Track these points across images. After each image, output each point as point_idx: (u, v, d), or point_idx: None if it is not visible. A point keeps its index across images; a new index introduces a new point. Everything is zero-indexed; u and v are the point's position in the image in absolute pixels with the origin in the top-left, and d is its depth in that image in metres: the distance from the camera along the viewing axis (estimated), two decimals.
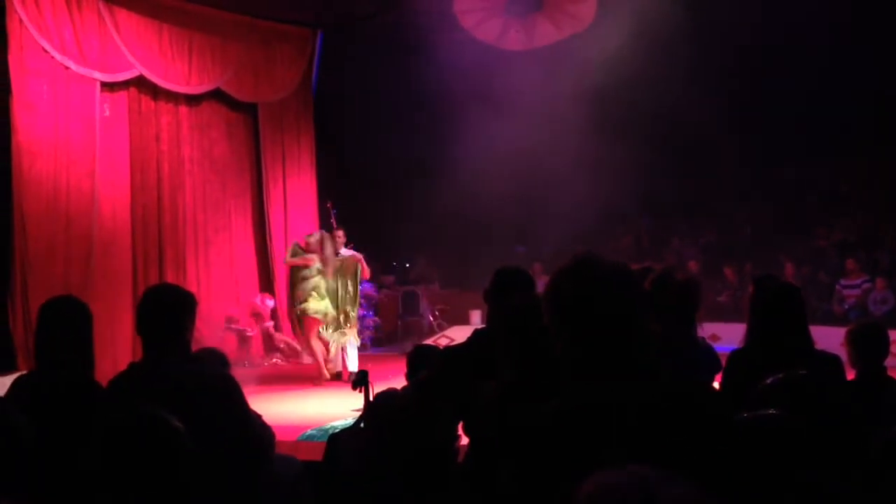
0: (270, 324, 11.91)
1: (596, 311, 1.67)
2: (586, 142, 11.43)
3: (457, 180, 12.00)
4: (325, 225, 11.50)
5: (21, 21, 9.64)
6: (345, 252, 9.92)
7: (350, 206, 11.74)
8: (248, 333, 11.69)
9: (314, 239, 9.86)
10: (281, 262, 11.76)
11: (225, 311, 11.82)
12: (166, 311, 3.01)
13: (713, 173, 13.66)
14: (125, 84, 10.89)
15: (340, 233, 9.96)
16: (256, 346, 11.89)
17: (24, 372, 3.37)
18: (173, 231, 11.44)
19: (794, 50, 12.51)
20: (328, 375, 9.75)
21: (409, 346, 6.72)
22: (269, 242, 12.61)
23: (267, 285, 12.46)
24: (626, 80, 10.89)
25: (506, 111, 11.63)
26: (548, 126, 11.45)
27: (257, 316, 11.88)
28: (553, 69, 11.11)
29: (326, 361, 9.80)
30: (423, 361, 4.11)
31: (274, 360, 11.87)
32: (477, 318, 12.23)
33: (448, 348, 3.62)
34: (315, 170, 12.96)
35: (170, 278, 10.92)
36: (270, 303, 11.99)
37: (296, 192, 12.77)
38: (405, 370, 4.32)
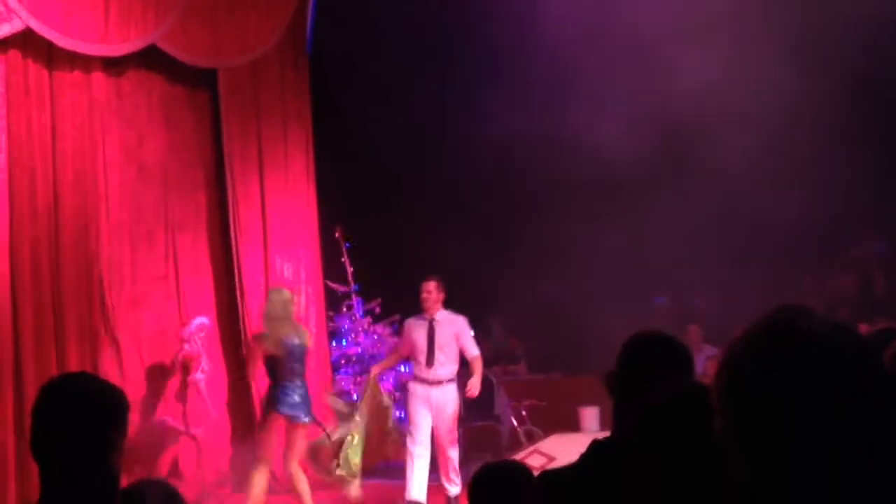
0: (202, 377, 9.76)
1: (807, 410, 1.33)
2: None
3: (541, 177, 11.62)
4: (333, 266, 10.66)
5: None
6: (443, 315, 8.51)
7: (372, 232, 11.15)
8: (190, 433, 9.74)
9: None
10: (257, 330, 9.68)
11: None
12: (82, 420, 2.49)
13: None
14: (2, 45, 9.35)
15: (432, 284, 8.53)
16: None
17: None
18: (82, 284, 9.61)
19: None
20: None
21: (476, 468, 4.69)
22: (239, 298, 10.30)
23: (238, 372, 10.14)
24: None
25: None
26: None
27: (186, 365, 9.82)
28: None
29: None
30: (502, 496, 3.56)
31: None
32: (593, 421, 10.50)
33: (548, 473, 3.07)
34: (314, 176, 10.86)
35: (73, 363, 9.28)
36: (201, 321, 9.85)
37: (283, 214, 10.68)
38: None
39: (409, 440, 8.28)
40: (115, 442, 2.58)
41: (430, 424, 8.26)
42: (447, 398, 8.26)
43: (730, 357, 1.42)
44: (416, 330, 8.29)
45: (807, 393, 1.33)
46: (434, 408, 8.27)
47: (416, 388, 8.33)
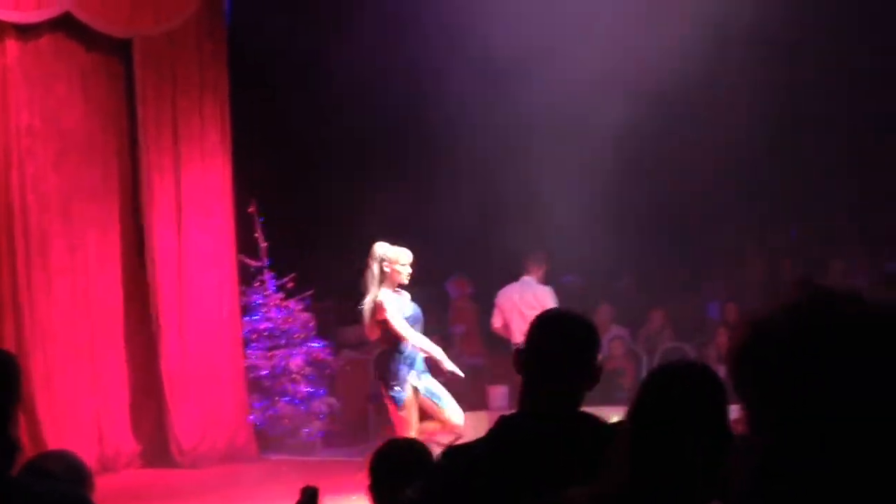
0: None
1: (846, 391, 1.37)
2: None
3: (466, 160, 11.41)
4: (246, 242, 10.82)
5: None
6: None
7: (287, 209, 11.31)
8: None
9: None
10: (170, 312, 10.42)
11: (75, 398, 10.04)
12: None
13: None
14: None
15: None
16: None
17: None
18: None
19: None
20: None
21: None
22: (149, 270, 10.48)
23: (146, 356, 10.37)
24: None
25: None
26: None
27: None
28: None
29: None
30: (400, 473, 3.64)
31: None
32: (502, 400, 10.66)
33: (453, 449, 3.29)
34: (230, 148, 11.03)
35: None
36: None
37: (197, 186, 10.88)
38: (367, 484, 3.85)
39: None
40: (10, 410, 2.56)
41: None
42: None
43: (746, 338, 1.46)
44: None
45: (834, 370, 1.38)
46: None
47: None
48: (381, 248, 7.36)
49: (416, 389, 7.36)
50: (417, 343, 7.23)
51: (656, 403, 2.25)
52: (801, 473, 1.38)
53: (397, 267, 7.28)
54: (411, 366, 7.35)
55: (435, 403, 7.45)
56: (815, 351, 1.38)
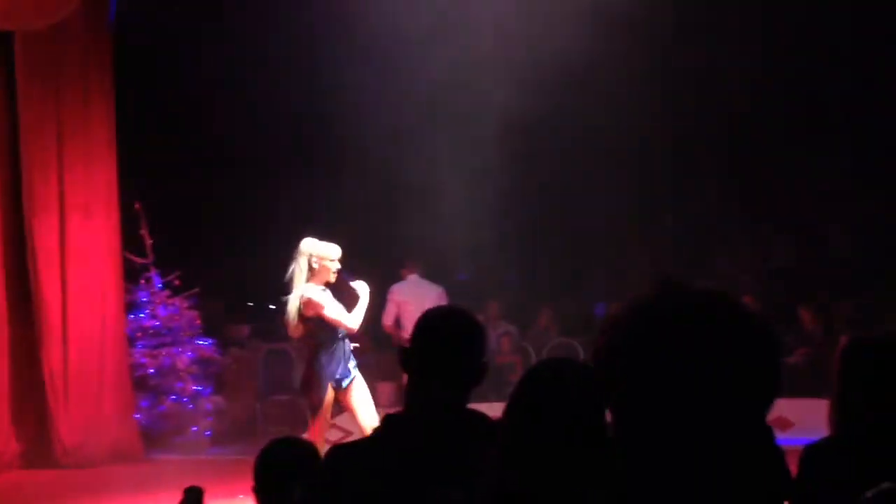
0: None
1: (694, 382, 1.41)
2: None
3: (358, 160, 11.34)
4: (133, 239, 10.57)
5: None
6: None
7: (175, 207, 11.07)
8: None
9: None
10: (53, 310, 10.06)
11: None
12: None
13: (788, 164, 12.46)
14: None
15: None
16: None
17: None
18: None
19: None
20: None
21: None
22: (31, 269, 10.15)
23: (28, 355, 10.00)
24: None
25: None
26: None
27: None
28: None
29: None
30: (286, 474, 3.65)
31: None
32: (390, 397, 10.89)
33: (338, 448, 3.09)
34: (115, 148, 10.69)
35: None
36: None
37: (81, 186, 10.52)
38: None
39: None
40: None
41: None
42: None
43: (611, 332, 1.48)
44: None
45: (688, 362, 1.40)
46: None
47: None
48: (310, 244, 7.16)
49: (342, 387, 7.14)
50: (356, 324, 7.06)
51: (527, 400, 2.23)
52: (657, 469, 1.40)
53: (326, 263, 7.09)
54: (336, 369, 7.13)
55: (356, 407, 7.25)
56: (655, 349, 1.40)
